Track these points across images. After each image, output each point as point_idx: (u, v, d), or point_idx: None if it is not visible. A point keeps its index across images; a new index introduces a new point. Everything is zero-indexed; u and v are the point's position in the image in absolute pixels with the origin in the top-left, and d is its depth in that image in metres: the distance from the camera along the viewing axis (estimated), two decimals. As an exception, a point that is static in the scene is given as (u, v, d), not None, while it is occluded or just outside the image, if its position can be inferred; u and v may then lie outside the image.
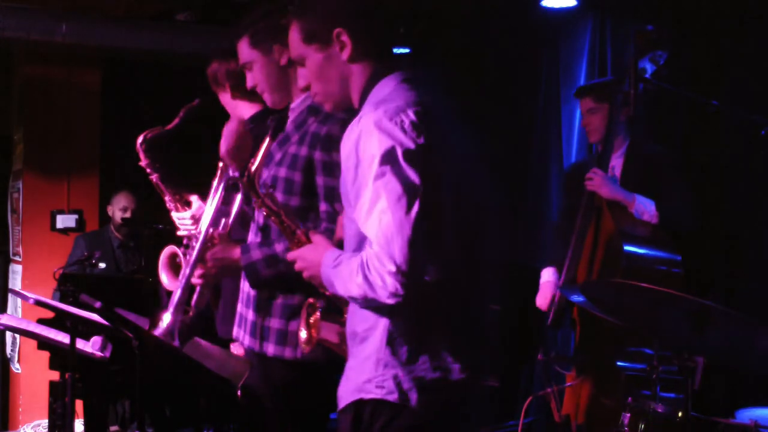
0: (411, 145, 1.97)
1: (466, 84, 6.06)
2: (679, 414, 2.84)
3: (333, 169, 2.60)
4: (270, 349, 2.70)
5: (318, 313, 2.29)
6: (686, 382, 2.72)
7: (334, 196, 2.60)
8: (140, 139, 3.10)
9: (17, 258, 6.44)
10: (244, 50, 2.91)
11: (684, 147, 4.43)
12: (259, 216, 2.79)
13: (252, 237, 2.85)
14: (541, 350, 3.95)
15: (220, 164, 3.07)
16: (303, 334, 2.32)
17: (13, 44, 5.99)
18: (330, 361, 2.37)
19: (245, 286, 2.82)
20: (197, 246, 2.83)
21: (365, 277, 1.95)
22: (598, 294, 2.92)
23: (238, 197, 2.96)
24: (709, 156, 4.36)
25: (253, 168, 2.35)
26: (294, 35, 2.21)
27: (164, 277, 3.20)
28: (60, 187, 6.41)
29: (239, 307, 2.87)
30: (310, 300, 2.33)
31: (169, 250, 3.21)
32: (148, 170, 3.11)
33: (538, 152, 5.59)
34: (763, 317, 2.46)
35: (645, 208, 3.73)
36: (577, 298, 3.61)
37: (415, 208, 1.93)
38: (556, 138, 5.39)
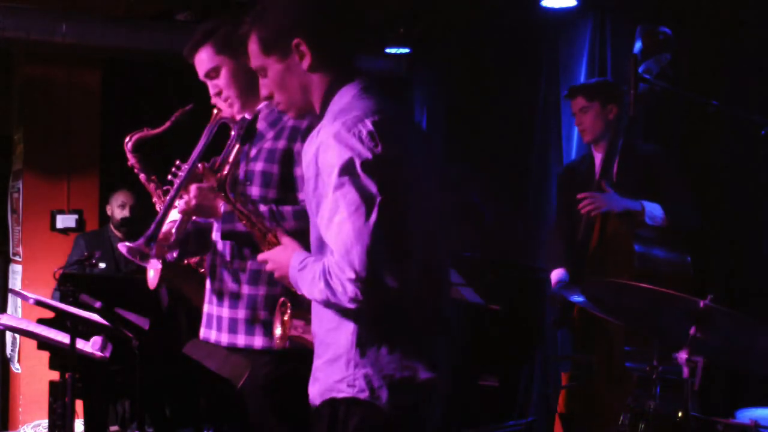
0: (368, 155, 2.01)
1: (467, 84, 6.06)
2: (679, 414, 2.83)
3: None
4: (258, 342, 2.74)
5: (289, 311, 2.36)
6: (686, 382, 2.72)
7: None
8: (126, 140, 3.10)
9: (17, 258, 6.44)
10: (208, 57, 2.88)
11: (684, 147, 4.43)
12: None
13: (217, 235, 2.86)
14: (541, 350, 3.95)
15: (215, 111, 3.02)
16: (278, 331, 2.39)
17: (13, 44, 5.98)
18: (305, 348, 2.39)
19: (215, 286, 2.85)
20: (183, 175, 2.84)
21: (327, 283, 2.02)
22: (598, 294, 2.92)
23: (232, 134, 2.92)
24: (709, 156, 4.36)
25: (224, 173, 2.39)
26: (253, 46, 2.23)
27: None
28: (60, 187, 6.41)
29: (208, 309, 2.88)
30: (282, 299, 2.39)
31: None
32: (136, 170, 3.12)
33: (538, 152, 5.59)
34: (763, 317, 2.46)
35: (655, 213, 3.72)
36: (577, 298, 3.61)
37: (374, 216, 1.98)
38: (556, 138, 5.40)
